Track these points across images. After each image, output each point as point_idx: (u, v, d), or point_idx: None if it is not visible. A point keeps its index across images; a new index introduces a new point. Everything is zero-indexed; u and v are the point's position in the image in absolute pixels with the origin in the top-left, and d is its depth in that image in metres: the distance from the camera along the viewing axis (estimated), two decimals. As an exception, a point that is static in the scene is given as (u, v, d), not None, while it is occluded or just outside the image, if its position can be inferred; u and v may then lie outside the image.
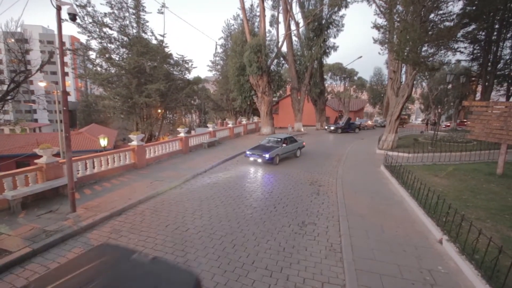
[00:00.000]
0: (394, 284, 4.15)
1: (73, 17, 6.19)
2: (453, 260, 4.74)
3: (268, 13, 29.18)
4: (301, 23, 26.82)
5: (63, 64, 6.11)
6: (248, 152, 12.66)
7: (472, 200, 7.19)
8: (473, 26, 21.41)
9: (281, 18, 26.68)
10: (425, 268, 4.56)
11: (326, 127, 29.24)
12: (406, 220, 6.46)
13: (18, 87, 12.16)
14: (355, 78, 46.05)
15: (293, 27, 26.76)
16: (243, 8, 24.11)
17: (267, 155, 11.91)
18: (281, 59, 28.55)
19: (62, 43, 6.07)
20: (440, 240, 5.32)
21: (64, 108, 6.05)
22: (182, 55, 26.51)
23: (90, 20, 20.75)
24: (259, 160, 12.34)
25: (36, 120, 71.05)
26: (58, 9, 6.15)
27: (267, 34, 26.58)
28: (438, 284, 4.16)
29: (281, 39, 26.22)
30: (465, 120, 35.95)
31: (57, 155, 10.39)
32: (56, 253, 5.17)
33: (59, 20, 6.17)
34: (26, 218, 6.44)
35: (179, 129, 15.44)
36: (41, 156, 7.85)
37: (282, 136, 13.82)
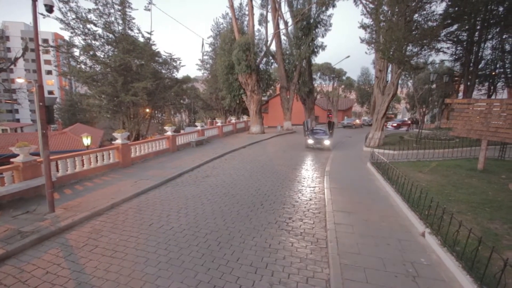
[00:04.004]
0: (378, 277, 4.16)
1: (49, 8, 5.92)
2: (435, 253, 4.81)
3: (257, 12, 29.28)
4: (290, 22, 26.90)
5: (39, 57, 5.85)
6: None
7: (454, 194, 7.36)
8: (455, 27, 22.03)
9: (270, 17, 26.69)
10: (408, 260, 4.61)
11: (307, 137, 16.65)
12: (391, 215, 6.53)
13: None
14: (344, 78, 46.65)
15: (282, 26, 26.81)
16: (231, 6, 23.99)
17: None
18: (270, 58, 28.58)
19: (37, 36, 5.80)
20: (423, 233, 5.40)
21: (40, 104, 5.78)
22: (170, 53, 26.05)
23: (73, 16, 20.09)
24: None
25: (18, 120, 68.57)
26: (34, 0, 5.88)
27: (256, 33, 26.56)
28: (420, 276, 4.20)
29: (270, 38, 26.24)
30: (409, 121, 37.38)
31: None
32: (32, 254, 4.93)
33: (35, 12, 5.89)
34: (0, 219, 6.13)
35: (166, 127, 15.19)
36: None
37: None
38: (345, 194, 8.07)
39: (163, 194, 8.27)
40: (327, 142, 15.65)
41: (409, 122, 36.82)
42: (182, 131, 23.37)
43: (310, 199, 7.89)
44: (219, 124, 22.83)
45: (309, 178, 10.23)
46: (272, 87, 39.95)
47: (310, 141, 16.14)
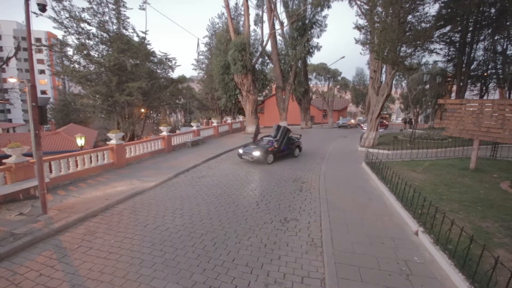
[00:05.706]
0: (372, 276, 4.21)
1: (42, 7, 5.85)
2: (428, 251, 4.88)
3: (253, 12, 29.31)
4: (285, 23, 27.01)
5: (32, 56, 5.78)
6: None
7: (446, 193, 7.47)
8: (448, 28, 22.33)
9: (265, 17, 26.75)
10: (402, 259, 4.67)
11: (241, 150, 13.61)
12: (385, 214, 6.61)
13: None
14: (339, 78, 46.86)
15: (277, 26, 26.86)
16: (227, 6, 23.96)
17: None
18: (266, 58, 28.61)
19: (30, 34, 5.72)
20: (416, 232, 5.48)
21: (33, 104, 5.71)
22: (165, 53, 25.88)
23: (67, 15, 19.84)
24: None
25: (10, 120, 67.48)
26: (26, -1, 5.80)
27: (252, 33, 26.56)
28: (414, 274, 4.26)
29: (265, 38, 26.26)
30: (386, 122, 38.20)
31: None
32: (25, 256, 4.87)
33: (28, 10, 5.81)
34: (-8, 221, 6.04)
35: (161, 127, 15.11)
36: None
37: None
38: (340, 194, 8.13)
39: (158, 195, 8.23)
40: (256, 154, 12.87)
41: (386, 123, 38.42)
42: (177, 131, 23.26)
43: (305, 199, 7.93)
44: (214, 124, 22.79)
45: (305, 177, 10.28)
46: (268, 87, 40.01)
47: (240, 151, 13.85)
